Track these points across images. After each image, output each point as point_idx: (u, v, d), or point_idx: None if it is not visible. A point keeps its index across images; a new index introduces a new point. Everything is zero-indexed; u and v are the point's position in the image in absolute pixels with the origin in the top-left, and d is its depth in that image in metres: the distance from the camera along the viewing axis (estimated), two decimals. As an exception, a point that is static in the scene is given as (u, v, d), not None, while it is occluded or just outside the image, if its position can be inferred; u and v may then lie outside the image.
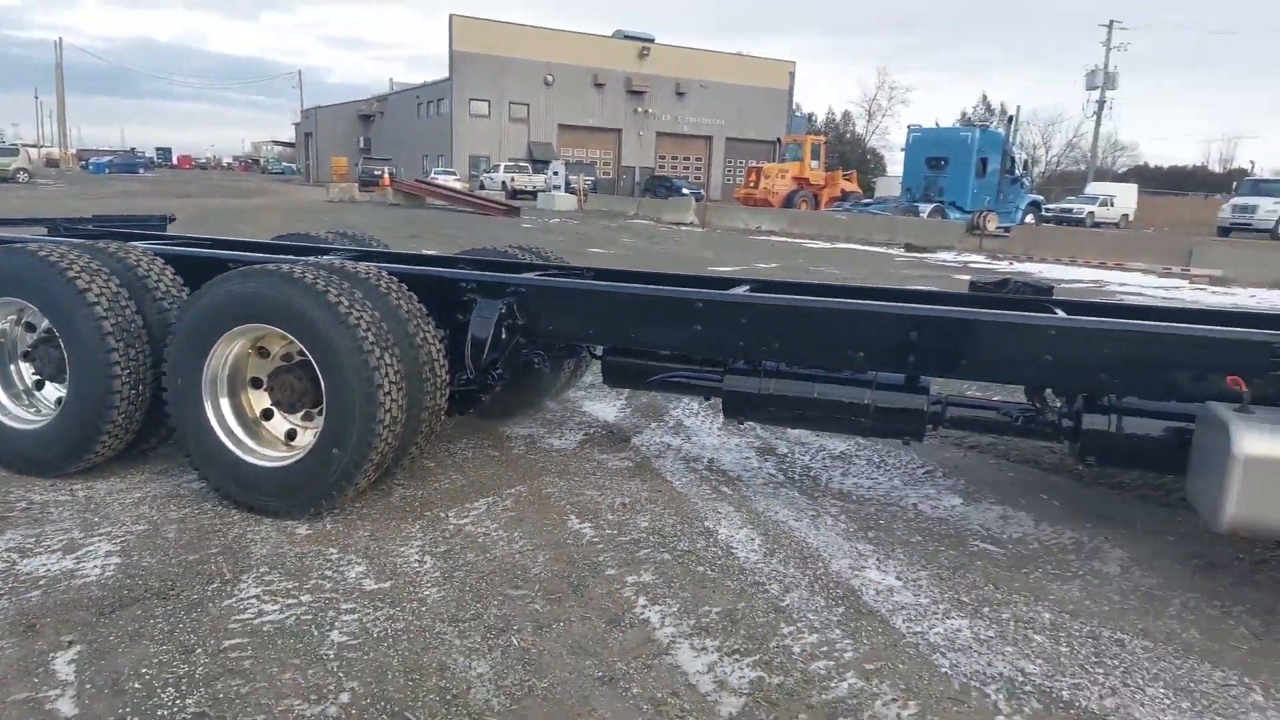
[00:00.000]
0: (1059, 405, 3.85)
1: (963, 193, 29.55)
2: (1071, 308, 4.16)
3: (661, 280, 4.59)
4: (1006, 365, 3.71)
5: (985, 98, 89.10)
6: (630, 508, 4.15)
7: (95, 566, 3.31)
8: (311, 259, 4.31)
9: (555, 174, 46.91)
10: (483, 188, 47.19)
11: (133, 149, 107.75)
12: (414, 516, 3.93)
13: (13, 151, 47.63)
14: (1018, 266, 18.49)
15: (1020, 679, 2.83)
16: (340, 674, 2.68)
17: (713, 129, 64.58)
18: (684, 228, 27.46)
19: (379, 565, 3.43)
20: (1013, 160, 31.43)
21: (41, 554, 3.40)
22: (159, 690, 2.54)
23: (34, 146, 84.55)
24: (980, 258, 20.16)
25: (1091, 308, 4.41)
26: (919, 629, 3.12)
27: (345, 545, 3.59)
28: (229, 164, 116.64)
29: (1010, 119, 32.79)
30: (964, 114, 77.83)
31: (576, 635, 2.98)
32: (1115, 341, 3.52)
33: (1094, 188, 47.19)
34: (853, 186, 40.56)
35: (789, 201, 35.21)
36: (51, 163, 74.13)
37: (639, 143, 62.28)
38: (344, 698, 2.56)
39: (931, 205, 29.48)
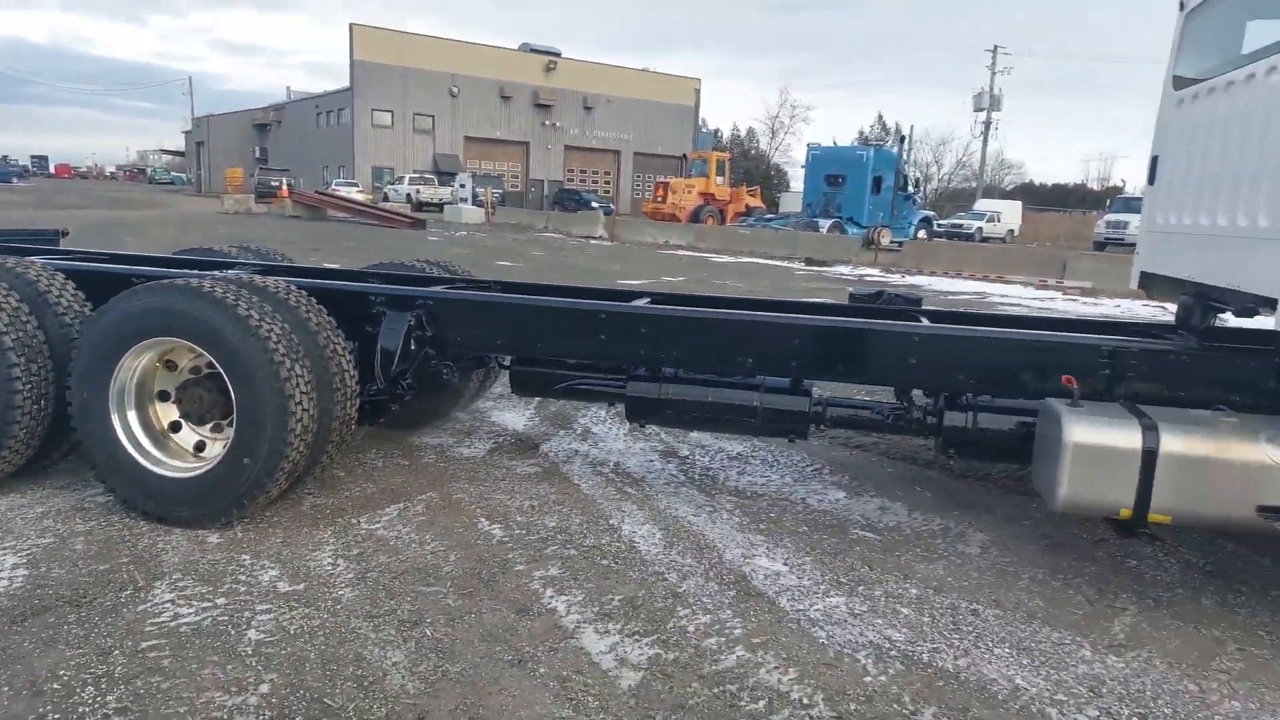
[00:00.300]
0: (925, 404, 4.26)
1: (859, 209, 30.83)
2: (935, 317, 4.61)
3: (567, 293, 4.83)
4: (878, 369, 4.10)
5: (881, 117, 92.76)
6: (538, 509, 4.36)
7: (2, 579, 3.32)
8: (219, 274, 4.37)
9: (462, 186, 46.58)
10: (386, 200, 46.46)
11: (4, 156, 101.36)
12: (325, 523, 4.04)
13: None
14: (909, 279, 19.46)
15: (887, 645, 3.17)
16: (259, 668, 2.81)
17: (620, 143, 65.26)
18: (593, 241, 27.76)
19: (292, 569, 3.54)
20: (905, 178, 33.00)
21: (-57, 569, 3.39)
22: (78, 689, 2.63)
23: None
24: (875, 271, 21.12)
25: (952, 316, 4.88)
26: (801, 607, 3.44)
27: (258, 551, 3.69)
28: (112, 173, 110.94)
29: (902, 139, 34.45)
30: (861, 133, 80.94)
31: (487, 625, 3.18)
32: (970, 347, 3.95)
33: (982, 204, 49.76)
34: (757, 202, 41.69)
35: (696, 216, 35.95)
36: None
37: (547, 156, 62.41)
38: (264, 688, 2.70)
39: (831, 221, 30.65)
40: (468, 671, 2.87)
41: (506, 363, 4.97)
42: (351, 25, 56.69)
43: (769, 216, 36.19)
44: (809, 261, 22.58)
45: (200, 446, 4.09)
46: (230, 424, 3.89)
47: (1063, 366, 3.76)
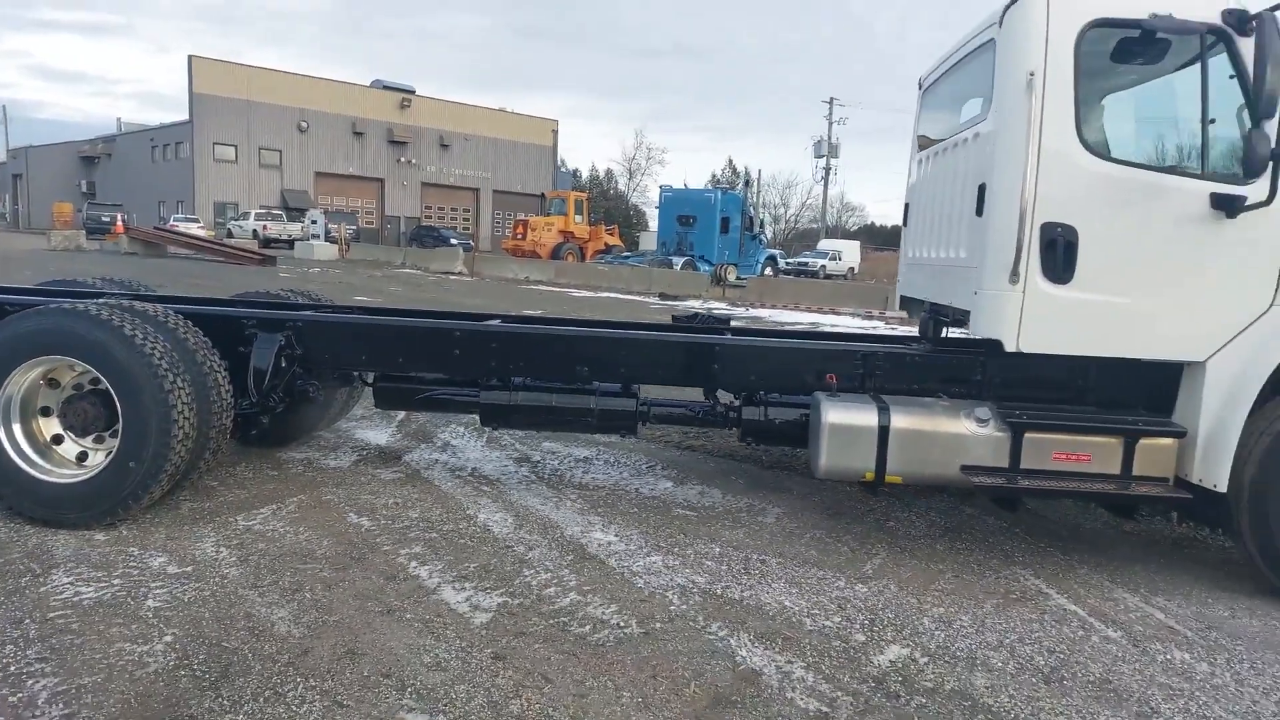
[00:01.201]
0: (728, 401, 5.16)
1: (709, 247, 32.58)
2: (737, 332, 5.54)
3: (425, 315, 5.48)
4: (691, 374, 4.97)
5: (731, 161, 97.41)
6: (402, 505, 4.95)
7: (-102, 575, 3.63)
8: (102, 299, 4.76)
9: (314, 222, 45.64)
10: (230, 236, 44.86)
11: None
12: (204, 522, 4.49)
13: None
14: (752, 311, 20.94)
15: (690, 585, 3.98)
16: (160, 625, 3.30)
17: (479, 181, 65.55)
18: (453, 277, 28.06)
19: (179, 556, 4.00)
20: (751, 219, 35.13)
21: None
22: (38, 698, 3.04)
23: None
24: (723, 304, 22.53)
25: (750, 332, 5.84)
26: (626, 564, 4.21)
27: (144, 545, 4.11)
28: None
29: (747, 182, 36.63)
30: (713, 175, 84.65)
31: (360, 588, 3.77)
32: (760, 354, 4.90)
33: (825, 244, 53.20)
34: (615, 240, 43.03)
35: (556, 253, 36.80)
36: None
37: (403, 192, 61.88)
38: (167, 639, 3.20)
39: (684, 258, 32.21)
40: (345, 620, 3.46)
41: (370, 380, 5.54)
42: (190, 57, 54.71)
43: (626, 254, 37.50)
44: (663, 296, 23.79)
45: (83, 456, 4.45)
46: (113, 434, 4.30)
47: (828, 368, 4.74)
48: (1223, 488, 3.99)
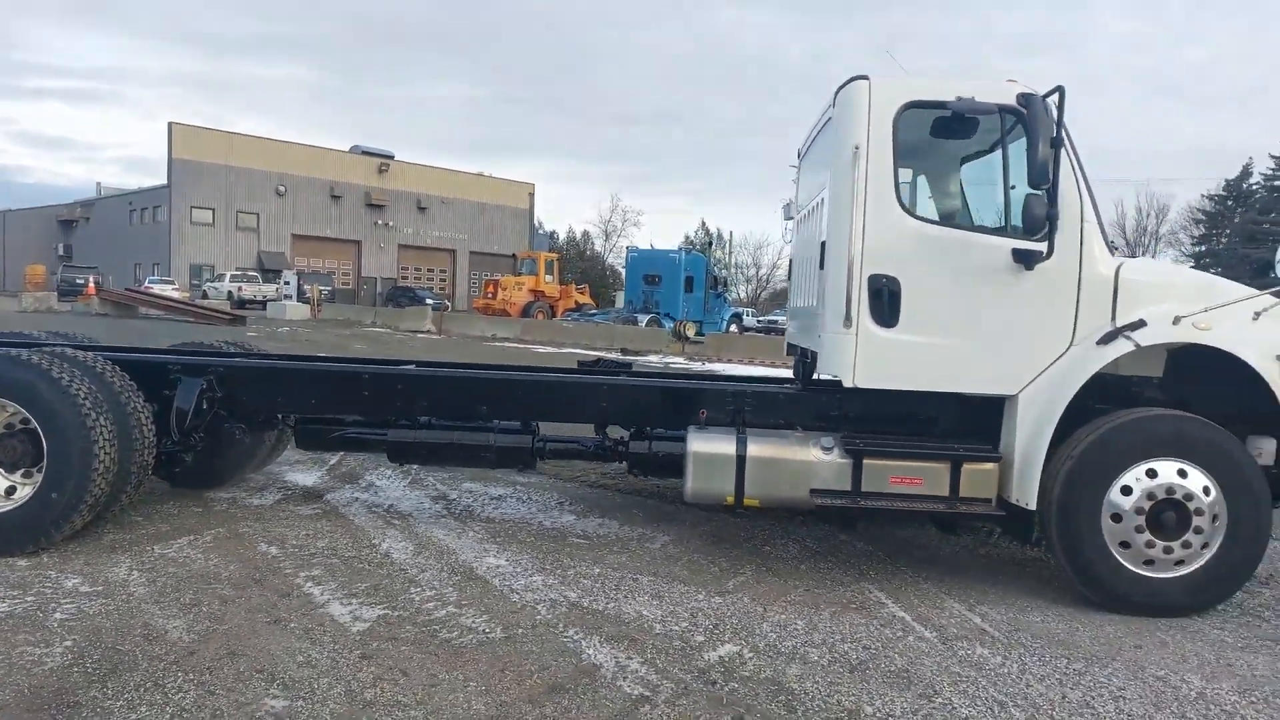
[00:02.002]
0: (617, 436, 5.62)
1: (674, 305, 33.36)
2: (633, 374, 6.04)
3: (341, 361, 5.95)
4: (581, 412, 5.46)
5: (704, 222, 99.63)
6: (313, 536, 5.34)
7: None
8: (37, 347, 5.20)
9: (286, 283, 46.19)
10: (205, 297, 45.28)
11: None
12: (123, 550, 4.87)
13: None
14: (709, 365, 21.50)
15: (561, 600, 4.40)
16: (63, 633, 3.68)
17: (456, 242, 66.52)
18: (421, 335, 28.54)
19: (93, 578, 4.38)
20: (715, 278, 36.02)
21: None
22: (-88, 650, 3.41)
23: None
24: (681, 359, 23.11)
25: (645, 374, 6.33)
26: (508, 583, 4.62)
27: (63, 569, 4.49)
28: None
29: (709, 243, 37.61)
30: (686, 236, 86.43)
31: (254, 603, 4.16)
32: (642, 392, 5.39)
33: (792, 301, 54.04)
34: (586, 299, 43.79)
35: (526, 312, 37.43)
36: None
37: (380, 254, 62.66)
38: (67, 643, 3.58)
39: (649, 315, 32.93)
40: (233, 629, 3.85)
41: (291, 421, 5.97)
42: (170, 124, 55.75)
43: (592, 312, 38.21)
44: (624, 351, 24.33)
45: (11, 490, 4.84)
46: (39, 470, 4.71)
47: (703, 405, 5.24)
48: (1032, 505, 4.49)
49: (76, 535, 4.88)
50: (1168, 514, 4.37)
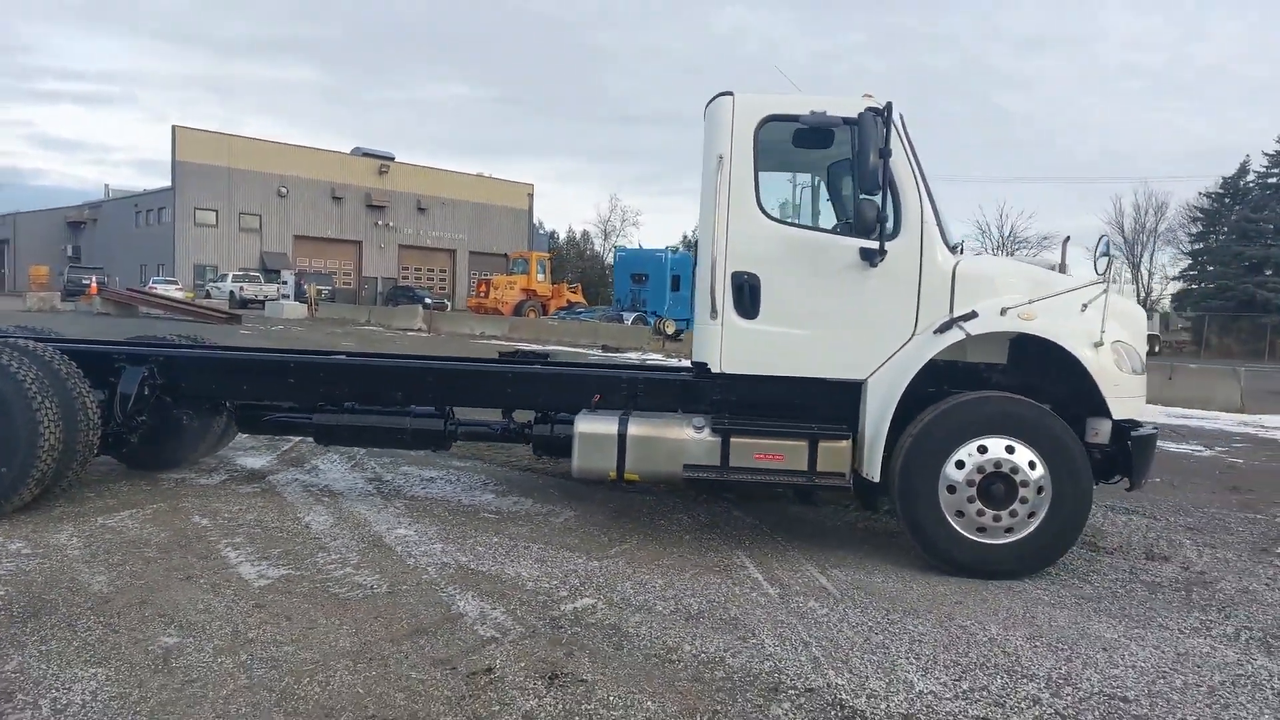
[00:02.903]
0: (524, 420, 6.12)
1: (660, 303, 33.88)
2: (549, 363, 6.54)
3: (272, 351, 6.48)
4: (488, 396, 5.96)
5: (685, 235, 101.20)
6: (244, 510, 5.86)
7: None
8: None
9: (284, 283, 46.93)
10: (209, 297, 46.05)
11: None
12: (68, 520, 5.40)
13: None
14: (685, 360, 21.98)
15: (452, 563, 4.90)
16: (10, 585, 4.21)
17: (455, 242, 67.25)
18: (410, 333, 29.13)
19: (35, 542, 4.91)
20: (704, 275, 36.51)
21: None
22: None
23: None
24: (659, 355, 23.62)
25: (555, 363, 6.79)
26: (409, 550, 5.13)
27: (9, 535, 5.02)
28: None
29: (692, 244, 38.02)
30: (684, 236, 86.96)
31: (174, 564, 4.69)
32: (546, 380, 5.90)
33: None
34: (578, 298, 44.36)
35: (519, 310, 38.02)
36: None
37: (381, 254, 63.41)
38: (2, 583, 4.12)
39: (635, 314, 33.45)
40: (149, 583, 4.37)
41: (231, 406, 6.50)
42: (174, 127, 56.61)
43: (579, 310, 38.74)
44: (605, 348, 24.87)
45: (-33, 466, 5.37)
46: (-9, 447, 5.24)
47: (600, 390, 5.73)
48: (876, 478, 4.99)
49: (28, 508, 5.42)
50: (997, 486, 4.86)
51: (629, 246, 38.11)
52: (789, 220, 5.19)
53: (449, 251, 67.28)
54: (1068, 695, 3.56)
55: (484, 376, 5.90)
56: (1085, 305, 4.98)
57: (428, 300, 47.92)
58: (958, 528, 4.92)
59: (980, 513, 4.88)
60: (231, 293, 47.34)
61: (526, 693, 3.38)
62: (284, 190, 60.03)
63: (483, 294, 39.46)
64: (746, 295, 5.10)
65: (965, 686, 3.61)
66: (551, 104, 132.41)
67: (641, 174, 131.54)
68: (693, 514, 6.21)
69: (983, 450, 4.88)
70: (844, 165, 5.44)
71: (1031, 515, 4.88)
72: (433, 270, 66.72)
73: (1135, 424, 5.23)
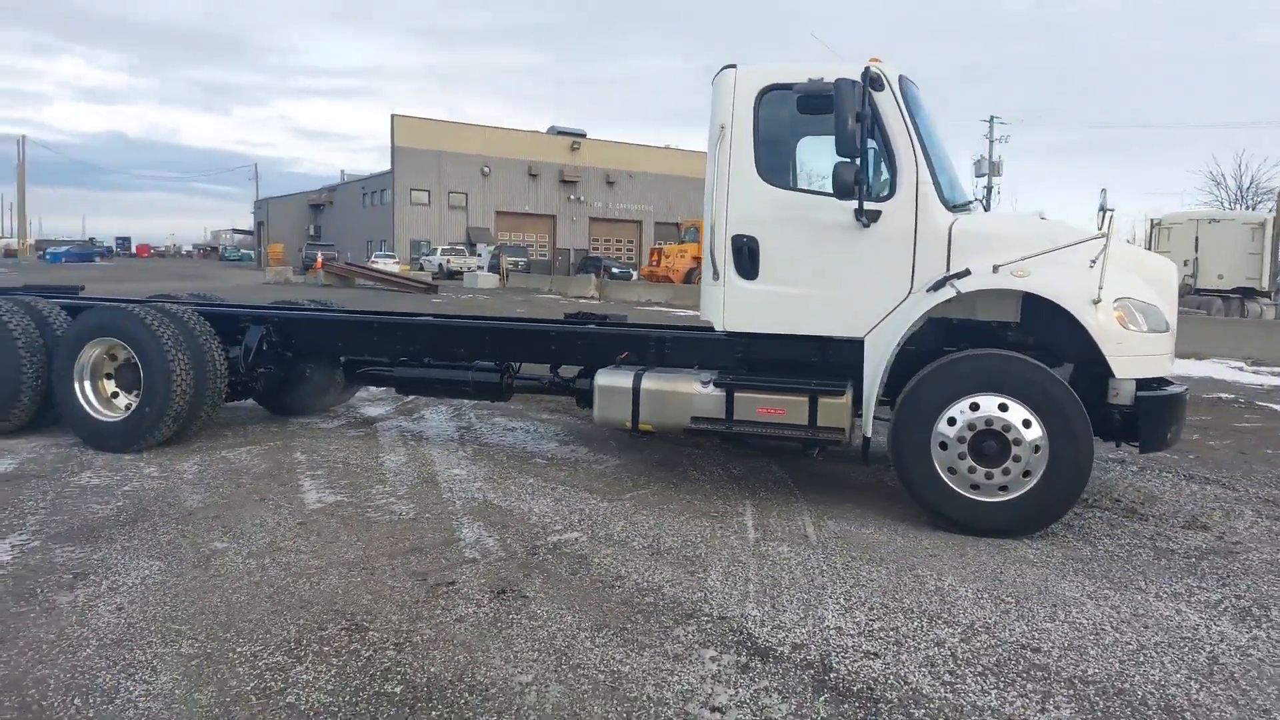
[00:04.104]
0: (570, 374, 6.64)
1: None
2: (602, 324, 7.01)
3: (361, 312, 7.42)
4: (535, 352, 6.55)
5: None
6: (338, 449, 6.84)
7: (4, 468, 5.94)
8: (144, 301, 7.03)
9: (479, 255, 50.40)
10: (421, 269, 50.41)
11: (91, 239, 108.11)
12: (199, 452, 6.58)
13: (-35, 243, 49.93)
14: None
15: (479, 498, 5.56)
16: (121, 498, 5.32)
17: (642, 214, 68.95)
18: (582, 300, 30.56)
19: (164, 468, 6.08)
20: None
21: (2, 457, 6.02)
22: (27, 500, 5.17)
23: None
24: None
25: (607, 322, 7.16)
26: (451, 486, 5.84)
27: (148, 462, 6.23)
28: (188, 251, 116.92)
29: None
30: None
31: (257, 489, 5.66)
32: (583, 337, 6.39)
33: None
34: (758, 265, 44.21)
35: (688, 278, 38.56)
36: (10, 253, 75.59)
37: (573, 227, 66.28)
38: (120, 503, 5.21)
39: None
40: (230, 502, 5.34)
41: (342, 361, 7.53)
42: (393, 116, 61.86)
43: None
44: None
45: (129, 406, 6.69)
46: (138, 392, 6.50)
47: (629, 348, 6.15)
48: (869, 434, 5.09)
49: (170, 442, 6.66)
50: (989, 443, 4.83)
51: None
52: (789, 185, 5.33)
53: (636, 223, 69.04)
54: (978, 642, 3.63)
55: (529, 335, 6.50)
56: (1093, 261, 4.78)
57: (614, 270, 49.65)
58: (950, 484, 4.93)
59: (972, 469, 4.87)
60: (440, 265, 51.48)
61: (471, 602, 3.94)
62: (486, 169, 64.07)
63: (655, 262, 40.31)
64: (746, 257, 5.32)
65: (877, 626, 3.77)
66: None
67: None
68: (727, 467, 6.52)
69: (975, 408, 4.85)
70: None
71: (1027, 474, 4.80)
72: (620, 241, 68.78)
73: (1162, 384, 4.97)
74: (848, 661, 3.44)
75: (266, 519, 5.04)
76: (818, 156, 5.96)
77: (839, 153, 4.84)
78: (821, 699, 3.16)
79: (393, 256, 55.94)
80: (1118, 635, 3.71)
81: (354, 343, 6.98)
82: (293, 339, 7.09)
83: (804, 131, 5.71)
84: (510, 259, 45.51)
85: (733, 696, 3.16)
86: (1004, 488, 4.85)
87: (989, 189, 57.23)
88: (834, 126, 4.82)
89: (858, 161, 4.83)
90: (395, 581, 4.15)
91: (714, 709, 3.08)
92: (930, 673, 3.36)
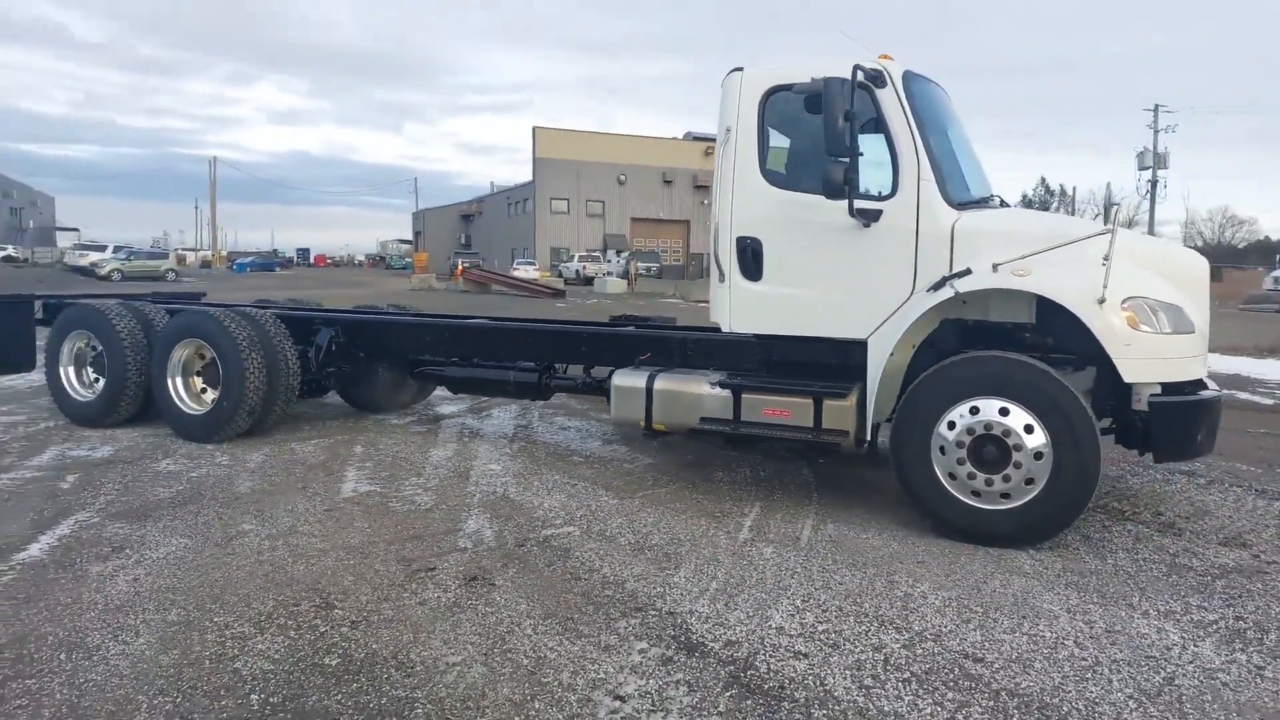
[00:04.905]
0: (601, 375, 6.80)
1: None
2: (642, 326, 7.13)
3: (426, 316, 7.86)
4: (569, 353, 6.77)
5: (1044, 179, 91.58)
6: (395, 444, 7.30)
7: (97, 453, 6.73)
8: (226, 305, 7.75)
9: (608, 261, 51.52)
10: (560, 275, 52.19)
11: (274, 250, 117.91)
12: (271, 444, 7.19)
13: (162, 255, 55.87)
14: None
15: (499, 492, 5.81)
16: (184, 482, 5.94)
17: (779, 217, 68.33)
18: (700, 304, 30.65)
19: (234, 457, 6.70)
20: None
21: (105, 444, 6.85)
22: (101, 483, 5.86)
23: (192, 250, 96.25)
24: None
25: (650, 326, 7.27)
26: (480, 480, 6.13)
27: (224, 452, 6.88)
28: (360, 261, 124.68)
29: (1002, 203, 34.96)
30: (1023, 195, 79.51)
31: (304, 478, 6.14)
32: (611, 338, 6.55)
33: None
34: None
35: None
36: (205, 264, 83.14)
37: (706, 232, 66.07)
38: (181, 487, 5.82)
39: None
40: (275, 489, 5.84)
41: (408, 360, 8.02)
42: (534, 128, 64.26)
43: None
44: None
45: (212, 399, 7.42)
46: (218, 388, 7.18)
47: (653, 349, 6.26)
48: (868, 437, 4.98)
49: (254, 433, 7.31)
50: (989, 448, 4.63)
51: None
52: (791, 185, 5.27)
53: (774, 225, 68.47)
54: (920, 649, 3.53)
55: (561, 336, 6.73)
56: (1105, 258, 4.49)
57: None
58: (951, 490, 4.76)
59: (971, 475, 4.68)
60: (576, 270, 53.00)
61: (440, 587, 4.18)
62: (623, 178, 65.36)
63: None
64: (750, 258, 5.33)
65: (822, 629, 3.73)
66: (912, 61, 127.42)
67: (1005, 129, 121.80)
68: (756, 470, 6.49)
69: (975, 411, 4.66)
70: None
71: (1029, 482, 4.57)
72: (759, 244, 68.36)
73: (1198, 387, 4.63)
74: (773, 660, 3.44)
75: (298, 505, 5.49)
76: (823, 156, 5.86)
77: (828, 152, 4.78)
78: (728, 694, 3.19)
79: (533, 263, 57.97)
80: (1076, 650, 3.51)
81: (410, 344, 7.43)
82: (358, 340, 7.63)
83: (809, 131, 5.63)
84: (642, 264, 46.23)
85: (641, 686, 3.23)
86: (1006, 495, 4.63)
87: (1153, 183, 53.08)
88: (823, 126, 4.76)
89: (847, 160, 4.75)
90: (382, 566, 4.45)
91: (617, 697, 3.17)
92: (852, 676, 3.31)
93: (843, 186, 4.79)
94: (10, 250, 55.47)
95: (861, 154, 4.99)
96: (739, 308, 5.41)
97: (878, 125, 4.98)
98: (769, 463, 6.66)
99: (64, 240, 72.84)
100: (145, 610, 3.85)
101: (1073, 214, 67.54)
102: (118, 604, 3.91)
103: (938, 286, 4.79)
